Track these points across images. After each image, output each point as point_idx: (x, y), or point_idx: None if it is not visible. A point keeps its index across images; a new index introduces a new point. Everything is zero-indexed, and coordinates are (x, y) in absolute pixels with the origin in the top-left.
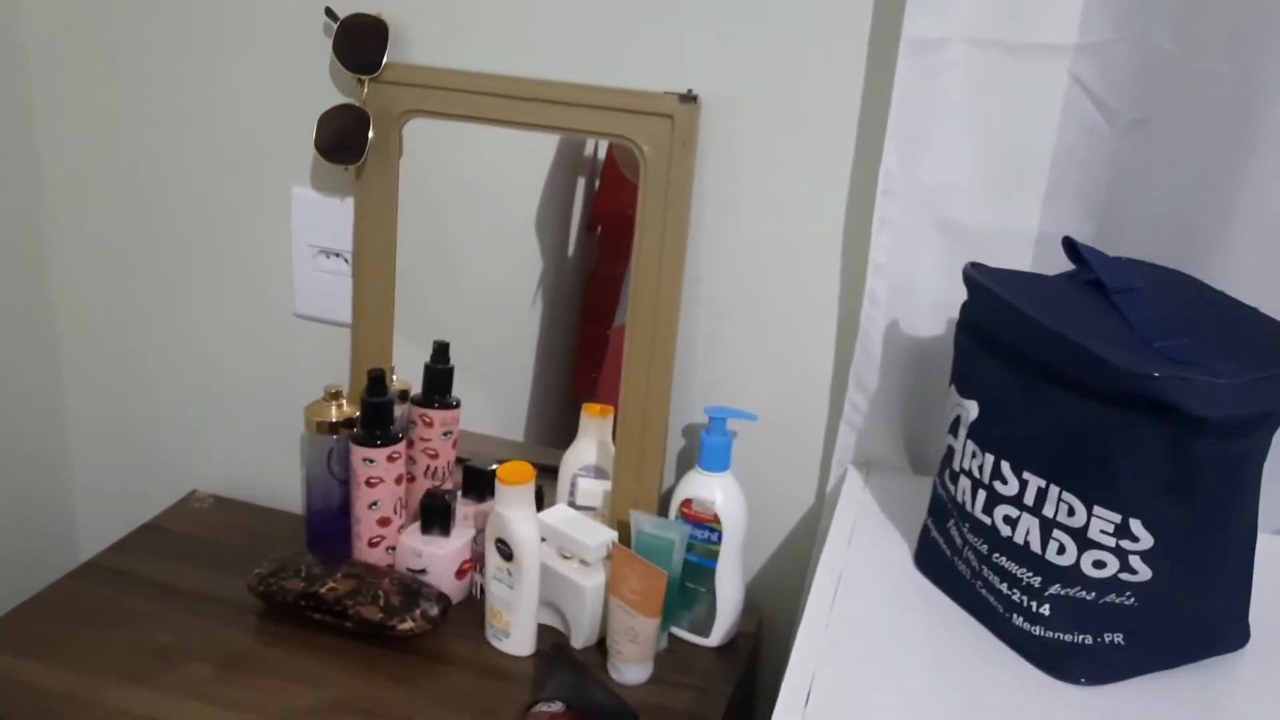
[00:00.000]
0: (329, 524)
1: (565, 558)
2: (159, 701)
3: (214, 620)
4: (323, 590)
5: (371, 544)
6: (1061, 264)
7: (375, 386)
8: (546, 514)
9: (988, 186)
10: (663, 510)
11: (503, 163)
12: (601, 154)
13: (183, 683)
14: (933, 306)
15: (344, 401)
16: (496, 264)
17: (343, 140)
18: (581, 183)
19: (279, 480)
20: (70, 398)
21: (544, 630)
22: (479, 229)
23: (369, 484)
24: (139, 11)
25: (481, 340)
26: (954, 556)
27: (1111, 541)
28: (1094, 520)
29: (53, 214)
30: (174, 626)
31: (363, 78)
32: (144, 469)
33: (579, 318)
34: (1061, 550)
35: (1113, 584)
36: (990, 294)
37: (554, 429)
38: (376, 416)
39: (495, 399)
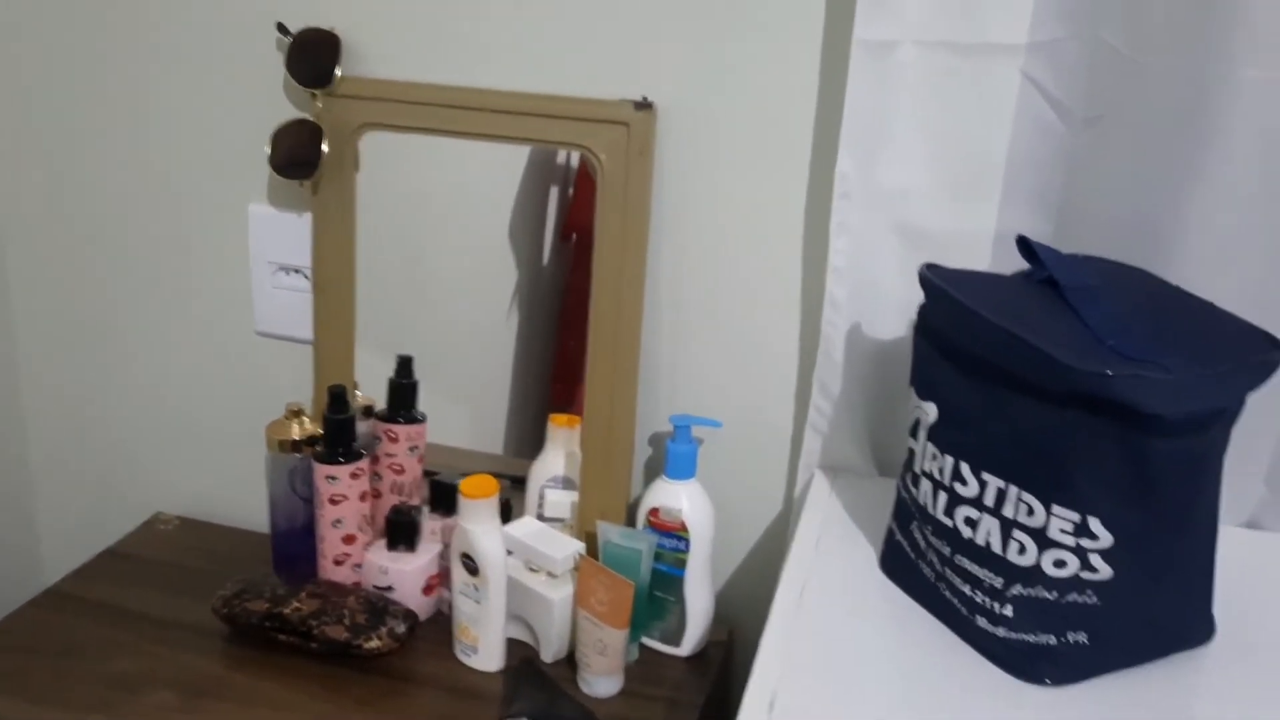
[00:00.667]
0: (295, 543)
1: (533, 571)
2: None
3: (178, 646)
4: (287, 611)
5: (337, 562)
6: (1021, 263)
7: (336, 403)
8: (513, 527)
9: (944, 187)
10: (631, 520)
11: (472, 172)
12: (575, 161)
13: (147, 712)
14: (893, 309)
15: (306, 419)
16: (470, 275)
17: (297, 155)
18: (555, 191)
19: (244, 500)
20: (30, 421)
21: (513, 645)
22: (451, 240)
23: (333, 502)
24: (89, 29)
25: (457, 352)
26: (918, 559)
27: (1071, 540)
28: (1053, 519)
29: (7, 235)
30: (138, 654)
31: (315, 92)
32: (107, 491)
33: (555, 327)
34: (1022, 550)
35: (1074, 583)
36: (944, 295)
37: (532, 440)
38: (339, 434)
39: (473, 412)
